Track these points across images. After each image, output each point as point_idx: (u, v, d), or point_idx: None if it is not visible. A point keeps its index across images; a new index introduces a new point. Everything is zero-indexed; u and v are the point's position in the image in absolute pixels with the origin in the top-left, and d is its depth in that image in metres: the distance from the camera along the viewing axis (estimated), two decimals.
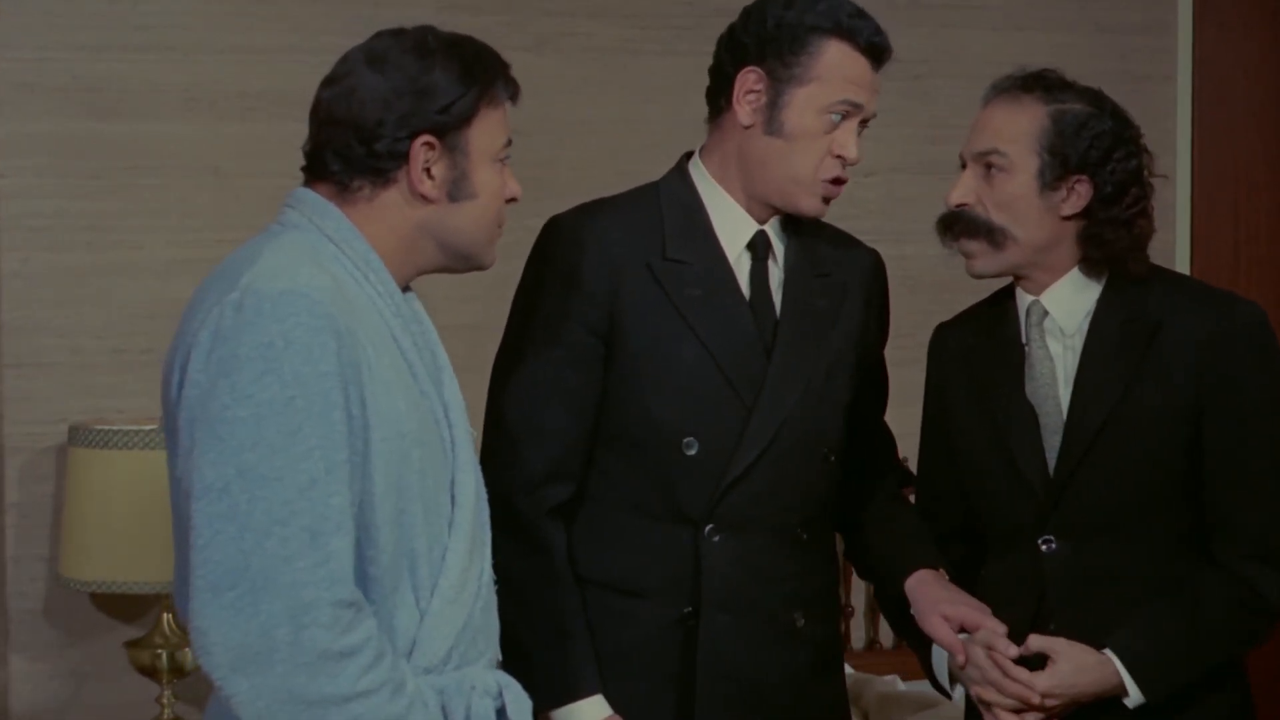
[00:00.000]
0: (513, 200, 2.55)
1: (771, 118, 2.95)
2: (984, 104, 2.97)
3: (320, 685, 2.25)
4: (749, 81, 2.96)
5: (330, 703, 2.26)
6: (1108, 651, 2.86)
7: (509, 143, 2.52)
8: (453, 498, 2.49)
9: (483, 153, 2.49)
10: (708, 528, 2.97)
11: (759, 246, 3.02)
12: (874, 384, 3.16)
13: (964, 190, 2.93)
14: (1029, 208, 2.90)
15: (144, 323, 4.36)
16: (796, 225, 3.05)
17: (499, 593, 2.65)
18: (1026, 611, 2.93)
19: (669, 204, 3.02)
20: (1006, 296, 3.03)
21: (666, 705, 2.99)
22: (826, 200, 3.00)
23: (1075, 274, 2.94)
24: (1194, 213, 5.10)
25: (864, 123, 3.00)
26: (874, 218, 4.50)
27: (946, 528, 3.12)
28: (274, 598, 2.23)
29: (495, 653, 2.55)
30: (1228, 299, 2.96)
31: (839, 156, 2.96)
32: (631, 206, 3.03)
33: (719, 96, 3.01)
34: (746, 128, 2.97)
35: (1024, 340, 2.97)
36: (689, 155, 3.07)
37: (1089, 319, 2.93)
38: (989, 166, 2.91)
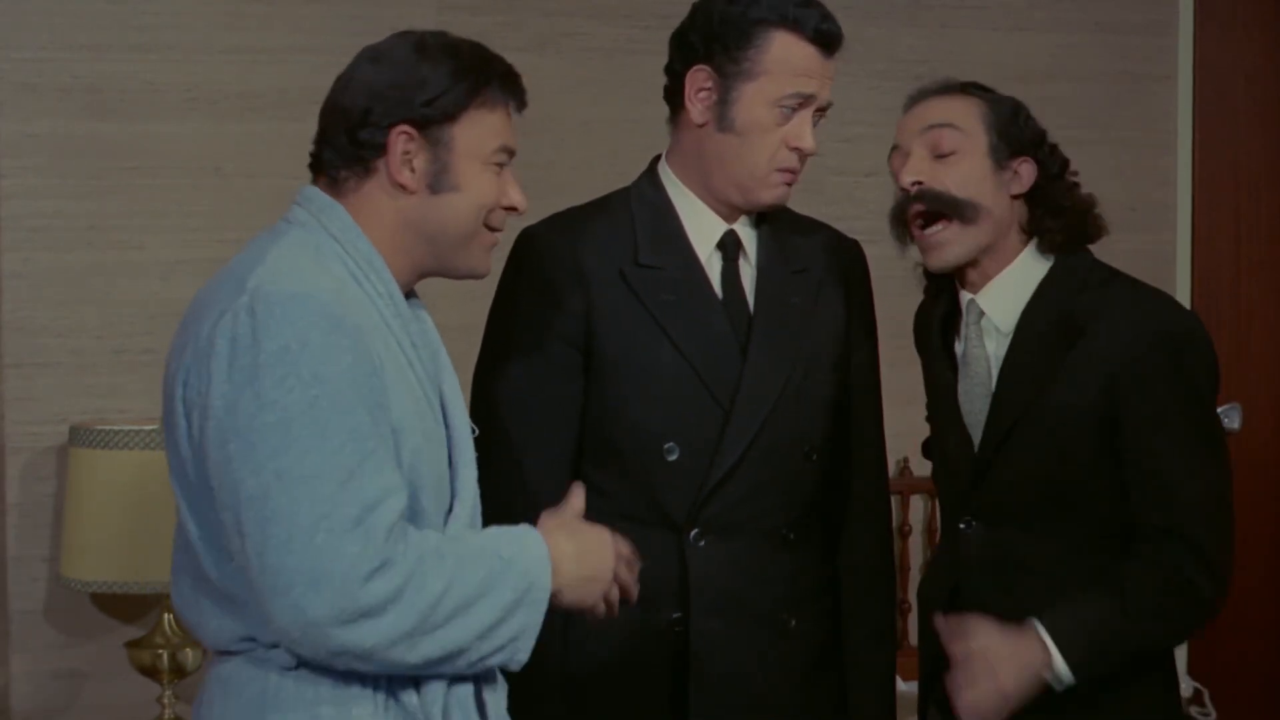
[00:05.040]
0: (512, 210, 2.56)
1: (723, 114, 2.93)
2: (904, 110, 2.97)
3: (403, 615, 2.31)
4: (699, 80, 2.95)
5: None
6: (1032, 620, 2.83)
7: (505, 149, 2.54)
8: (454, 491, 2.53)
9: (469, 151, 2.50)
10: (693, 533, 2.96)
11: (729, 246, 3.00)
12: (861, 378, 3.12)
13: (916, 168, 2.91)
14: (986, 184, 2.90)
15: (145, 323, 4.36)
16: (769, 221, 3.04)
17: None
18: (945, 587, 2.99)
19: (640, 209, 3.01)
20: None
21: (660, 712, 2.98)
22: (787, 186, 2.97)
23: (1019, 264, 2.94)
24: (1194, 213, 5.10)
25: (821, 111, 2.97)
26: (874, 218, 4.47)
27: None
28: (331, 585, 2.27)
29: None
30: (1160, 311, 2.93)
31: (795, 148, 2.93)
32: (603, 214, 3.02)
33: (674, 96, 3.00)
34: (700, 126, 2.96)
35: (960, 336, 2.99)
36: (659, 158, 3.06)
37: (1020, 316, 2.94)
38: (939, 152, 2.89)
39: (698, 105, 2.95)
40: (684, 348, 2.95)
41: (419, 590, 2.32)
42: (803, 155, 2.95)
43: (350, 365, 2.33)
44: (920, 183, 2.90)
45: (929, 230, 2.92)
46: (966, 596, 2.95)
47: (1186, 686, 4.64)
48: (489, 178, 2.52)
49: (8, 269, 4.30)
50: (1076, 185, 2.98)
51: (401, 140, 2.48)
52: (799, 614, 3.02)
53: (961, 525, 2.97)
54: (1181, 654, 5.03)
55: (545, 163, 4.53)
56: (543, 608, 2.43)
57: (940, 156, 2.90)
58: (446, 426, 2.56)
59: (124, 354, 4.35)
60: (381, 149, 2.48)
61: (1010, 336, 2.94)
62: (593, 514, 2.96)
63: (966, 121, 2.91)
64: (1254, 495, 4.88)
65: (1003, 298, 2.94)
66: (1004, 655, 2.80)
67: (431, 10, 4.51)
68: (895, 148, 2.97)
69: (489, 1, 4.53)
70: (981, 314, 2.95)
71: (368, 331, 2.39)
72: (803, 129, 2.93)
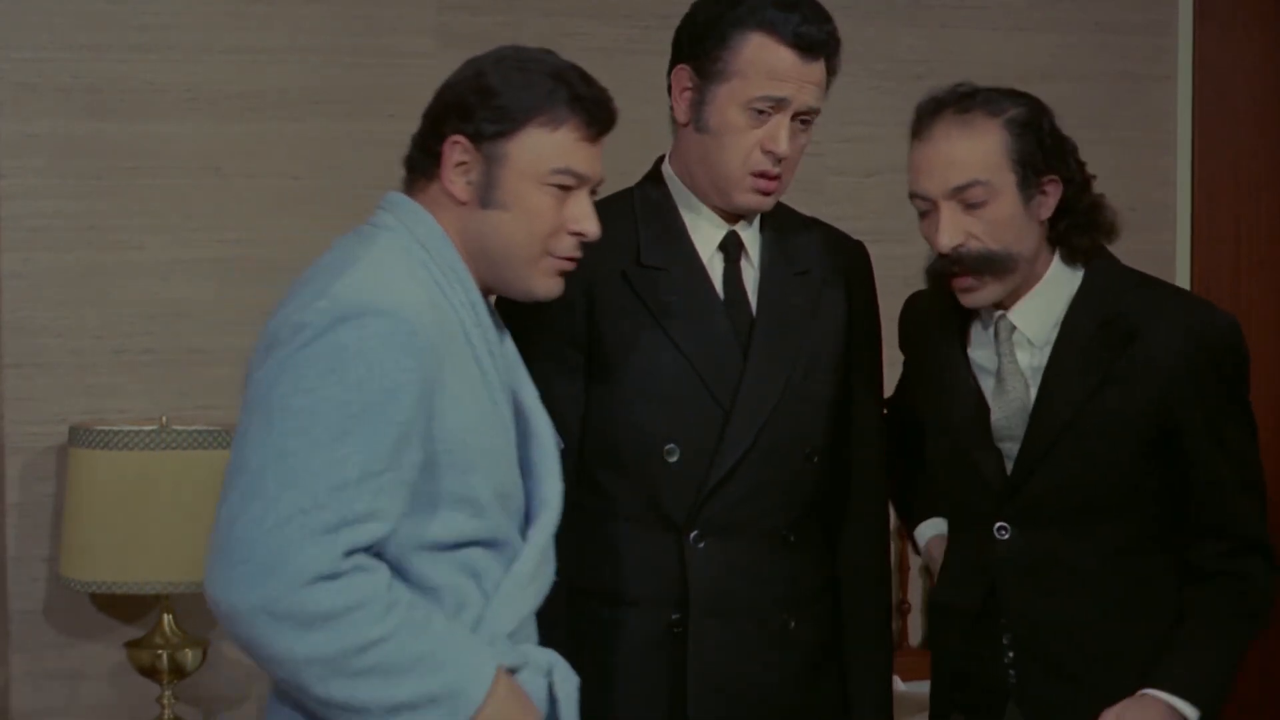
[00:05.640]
0: (578, 235, 2.55)
1: (699, 115, 2.93)
2: (922, 137, 2.89)
3: (332, 641, 2.29)
4: (682, 79, 2.95)
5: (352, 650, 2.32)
6: (1146, 691, 2.86)
7: (569, 172, 2.51)
8: (543, 500, 2.55)
9: (524, 169, 2.49)
10: (693, 534, 2.95)
11: (730, 247, 3.00)
12: (862, 379, 3.11)
13: (953, 231, 2.86)
14: (1019, 225, 2.88)
15: (144, 323, 4.36)
16: (772, 222, 3.03)
17: None
18: (978, 594, 2.97)
19: (643, 209, 3.01)
20: None
21: (659, 713, 2.98)
22: (764, 193, 2.94)
23: (1050, 279, 2.94)
24: (1194, 213, 5.09)
25: (805, 117, 2.93)
26: (874, 218, 4.49)
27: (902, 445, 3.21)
28: (280, 579, 2.28)
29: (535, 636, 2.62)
30: (1204, 310, 2.95)
31: (768, 151, 2.91)
32: (605, 214, 3.00)
33: (669, 96, 3.00)
34: (683, 125, 2.97)
35: (981, 345, 2.98)
36: (662, 158, 3.06)
37: (1058, 326, 2.93)
38: (969, 203, 2.85)
39: (681, 105, 2.96)
40: (685, 348, 2.94)
41: (356, 625, 2.30)
42: (778, 159, 2.92)
43: (400, 386, 2.33)
44: (959, 245, 2.86)
45: (961, 279, 2.90)
46: (1004, 602, 2.95)
47: None
48: (544, 199, 2.51)
49: (7, 269, 4.29)
50: (1090, 181, 2.95)
51: (456, 151, 2.48)
52: (799, 615, 3.02)
53: (996, 531, 2.95)
54: None
55: None
56: None
57: (970, 206, 2.86)
58: (527, 437, 2.56)
59: (124, 354, 4.35)
60: (438, 157, 2.50)
61: (1047, 347, 2.93)
62: (593, 514, 2.97)
63: (990, 169, 2.84)
64: None
65: (1035, 311, 2.94)
66: None
67: (432, 11, 4.50)
68: (917, 196, 2.90)
69: (490, 2, 4.52)
70: (1013, 329, 2.95)
71: (443, 347, 2.39)
72: (777, 132, 2.90)
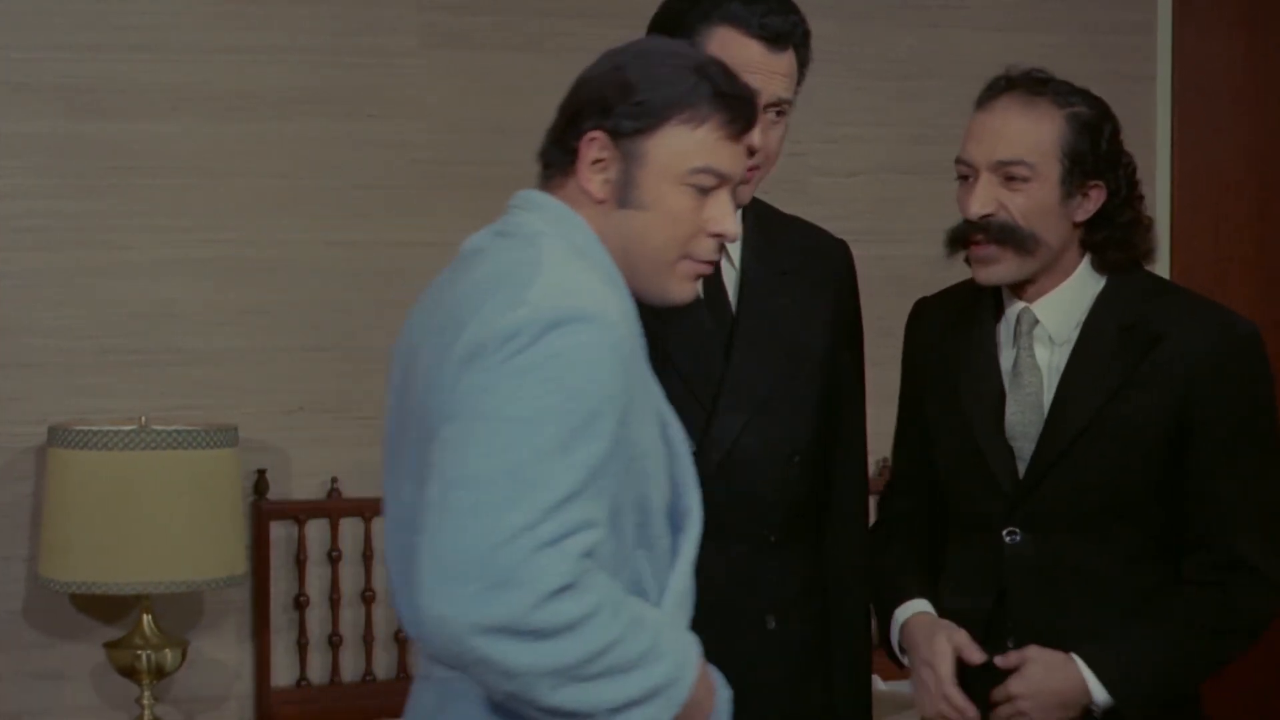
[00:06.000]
0: (718, 236, 2.43)
1: None
2: (985, 107, 2.90)
3: (573, 649, 2.21)
4: None
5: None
6: (1071, 654, 2.86)
7: (710, 171, 2.40)
8: (686, 509, 2.47)
9: (663, 168, 2.39)
10: None
11: None
12: (845, 379, 3.10)
13: (985, 200, 2.86)
14: (1053, 215, 2.87)
15: (132, 323, 4.35)
16: (754, 221, 3.01)
17: None
18: (987, 600, 2.95)
19: None
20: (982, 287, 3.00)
21: None
22: (743, 184, 2.88)
23: (1076, 279, 2.93)
24: (1174, 211, 5.11)
25: (775, 109, 2.90)
26: (863, 218, 4.50)
27: (912, 503, 3.14)
28: (511, 596, 2.17)
29: None
30: (1227, 315, 2.94)
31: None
32: None
33: None
34: None
35: (1005, 345, 2.97)
36: None
37: (1079, 328, 2.92)
38: (1010, 176, 2.85)
39: None
40: (666, 347, 2.93)
41: (595, 630, 2.22)
42: (751, 151, 2.84)
43: (613, 392, 2.26)
44: (989, 215, 2.86)
45: (982, 248, 2.89)
46: (1012, 609, 2.93)
47: None
48: (683, 199, 2.40)
49: None
50: (1140, 200, 2.94)
51: (594, 148, 2.39)
52: (785, 617, 3.01)
53: (1005, 537, 2.93)
54: None
55: (529, 162, 4.52)
56: (674, 711, 2.31)
57: (1010, 180, 2.86)
58: (668, 444, 2.48)
59: (111, 354, 4.34)
60: (575, 154, 2.41)
61: (1067, 346, 2.92)
62: None
63: (1040, 154, 2.84)
64: None
65: (1059, 309, 2.93)
66: (1047, 700, 2.83)
67: (415, 10, 4.50)
68: (962, 162, 2.91)
69: (478, 2, 4.51)
70: (1035, 322, 2.94)
71: (636, 354, 2.34)
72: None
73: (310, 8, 4.43)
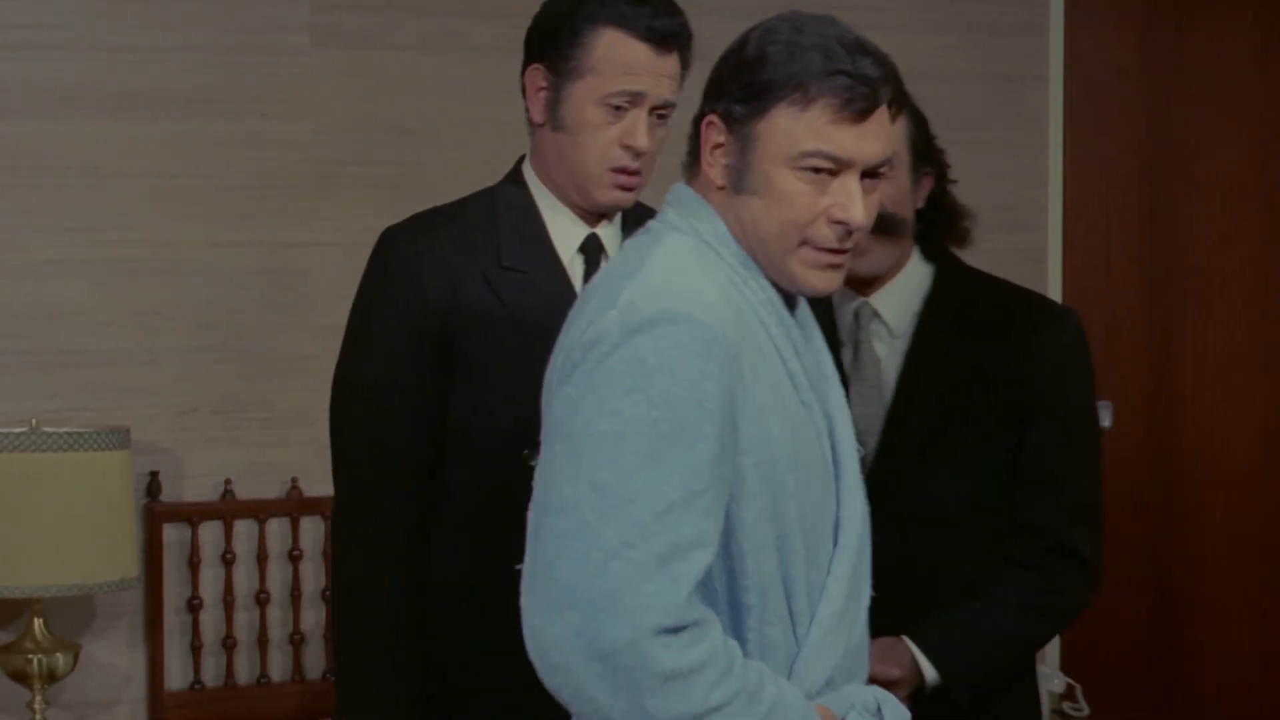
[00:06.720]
0: (840, 224, 2.26)
1: (555, 113, 2.90)
2: None
3: (671, 705, 2.09)
4: (536, 79, 2.92)
5: None
6: (902, 636, 2.89)
7: (823, 155, 2.24)
8: (837, 521, 2.33)
9: (773, 152, 2.25)
10: None
11: (591, 250, 2.97)
12: None
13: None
14: (907, 200, 2.94)
15: (22, 324, 4.31)
16: (635, 223, 3.00)
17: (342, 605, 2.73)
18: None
19: (504, 210, 2.96)
20: None
21: None
22: (625, 189, 2.91)
23: (909, 269, 2.98)
24: (1065, 212, 5.15)
25: (659, 111, 2.90)
26: None
27: None
28: (617, 621, 2.08)
29: (866, 669, 2.42)
30: (1054, 308, 3.02)
31: (627, 146, 2.88)
32: (466, 216, 2.97)
33: (524, 95, 2.97)
34: (540, 125, 2.94)
35: (850, 341, 2.99)
36: (523, 158, 3.03)
37: (915, 320, 2.96)
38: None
39: (537, 104, 2.93)
40: (547, 353, 2.92)
41: (698, 688, 2.09)
42: (637, 154, 2.89)
43: (708, 395, 2.13)
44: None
45: None
46: (883, 614, 2.87)
47: (1059, 682, 4.69)
48: (796, 185, 2.25)
49: None
50: (952, 185, 3.03)
51: (712, 132, 2.28)
52: None
53: None
54: (1054, 649, 5.09)
55: (420, 162, 4.52)
56: None
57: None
58: (833, 446, 2.34)
59: (1, 355, 4.29)
60: (698, 139, 2.32)
61: (904, 340, 2.96)
62: (445, 517, 2.93)
63: (899, 144, 2.87)
64: (1123, 492, 4.95)
65: (896, 300, 2.97)
66: (882, 683, 2.81)
67: (306, 10, 4.48)
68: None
69: (366, 0, 4.50)
70: (874, 315, 2.97)
71: (748, 352, 2.21)
72: (635, 126, 2.87)
73: (201, 6, 4.41)
